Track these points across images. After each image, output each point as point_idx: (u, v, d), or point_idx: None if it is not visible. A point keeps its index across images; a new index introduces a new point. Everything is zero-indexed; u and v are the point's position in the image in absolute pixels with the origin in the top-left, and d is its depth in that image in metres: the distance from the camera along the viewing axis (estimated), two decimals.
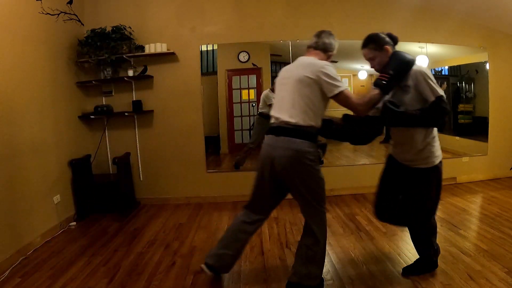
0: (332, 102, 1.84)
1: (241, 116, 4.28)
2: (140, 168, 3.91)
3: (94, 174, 3.69)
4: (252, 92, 4.27)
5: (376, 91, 1.75)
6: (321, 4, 3.84)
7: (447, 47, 4.15)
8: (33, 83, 2.90)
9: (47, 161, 3.05)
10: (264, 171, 1.92)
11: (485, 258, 2.25)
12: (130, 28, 3.67)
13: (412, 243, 2.43)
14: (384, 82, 1.75)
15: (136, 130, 3.87)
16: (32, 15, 2.88)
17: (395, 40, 1.88)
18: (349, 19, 3.86)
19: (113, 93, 3.80)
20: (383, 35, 1.85)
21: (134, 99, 3.78)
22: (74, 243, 2.85)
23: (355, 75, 4.45)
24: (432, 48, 4.07)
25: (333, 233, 2.84)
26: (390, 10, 3.91)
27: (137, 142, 3.88)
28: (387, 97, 1.84)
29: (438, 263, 2.15)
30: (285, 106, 1.82)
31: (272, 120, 1.89)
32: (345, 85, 1.77)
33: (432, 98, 1.72)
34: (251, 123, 4.30)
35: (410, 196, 1.97)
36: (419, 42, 4.02)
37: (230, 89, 4.23)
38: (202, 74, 3.86)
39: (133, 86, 3.81)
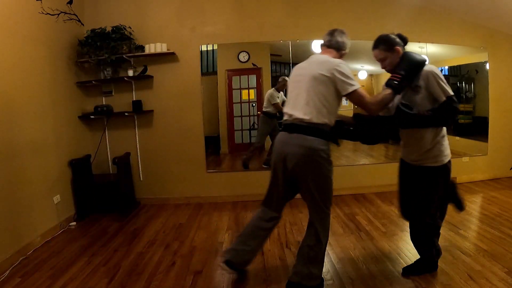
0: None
1: (241, 116, 4.28)
2: (140, 168, 3.91)
3: (94, 174, 3.69)
4: (252, 92, 4.27)
5: (389, 91, 1.77)
6: (321, 4, 3.84)
7: (447, 47, 4.15)
8: (33, 83, 2.90)
9: (47, 161, 3.05)
10: (277, 168, 1.93)
11: (485, 258, 2.25)
12: (130, 28, 3.67)
13: (412, 243, 2.43)
14: (396, 82, 1.77)
15: (136, 130, 3.88)
16: (32, 15, 2.88)
17: (405, 41, 1.90)
18: (349, 19, 3.86)
19: (113, 93, 3.80)
20: (393, 36, 1.87)
21: (134, 99, 3.78)
22: (74, 243, 2.85)
23: (355, 75, 4.45)
24: (432, 48, 4.07)
25: (333, 233, 2.84)
26: (390, 10, 3.91)
27: (137, 142, 3.88)
28: (398, 97, 1.85)
29: (438, 263, 2.14)
30: (299, 103, 1.82)
31: (285, 117, 1.90)
32: (358, 84, 1.78)
33: (443, 98, 1.75)
34: (251, 123, 4.30)
35: (418, 194, 1.98)
36: (419, 42, 4.02)
37: (230, 89, 4.23)
38: (202, 74, 3.86)
39: (133, 86, 3.81)
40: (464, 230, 2.75)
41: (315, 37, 3.94)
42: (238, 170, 4.14)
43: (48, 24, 3.09)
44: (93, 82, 3.61)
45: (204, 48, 3.90)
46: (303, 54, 4.10)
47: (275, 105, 4.06)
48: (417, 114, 1.78)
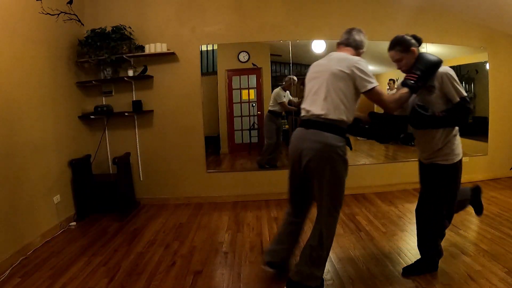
0: None
1: (241, 116, 4.28)
2: (140, 168, 3.91)
3: (94, 174, 3.69)
4: (252, 92, 4.27)
5: (405, 90, 1.79)
6: (321, 4, 3.84)
7: (447, 47, 4.15)
8: (33, 83, 2.90)
9: (47, 161, 3.05)
10: (294, 164, 1.93)
11: (485, 258, 2.25)
12: (130, 28, 3.67)
13: (412, 243, 2.43)
14: (412, 81, 1.79)
15: (136, 130, 3.88)
16: (32, 15, 2.88)
17: (419, 42, 1.93)
18: (349, 19, 3.86)
19: (113, 93, 3.80)
20: (409, 37, 1.90)
21: (134, 99, 3.78)
22: (74, 243, 2.85)
23: None
24: (432, 48, 4.07)
25: None
26: (390, 10, 3.91)
27: (137, 142, 3.88)
28: (412, 97, 1.87)
29: (438, 263, 2.14)
30: (317, 99, 1.82)
31: (303, 113, 1.90)
32: (376, 82, 1.79)
33: (457, 99, 1.79)
34: (251, 123, 4.30)
35: (427, 191, 2.01)
36: None
37: (230, 89, 4.23)
38: (202, 74, 3.86)
39: (133, 86, 3.81)
40: (464, 230, 2.75)
41: (315, 37, 3.94)
42: (238, 170, 4.14)
43: (48, 24, 3.09)
44: (93, 82, 3.61)
45: (204, 48, 3.91)
46: (303, 54, 4.11)
47: (282, 104, 4.08)
48: (432, 115, 1.81)
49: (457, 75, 1.86)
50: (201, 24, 3.79)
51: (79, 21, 3.59)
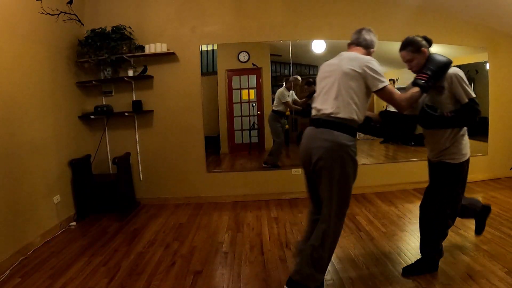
0: None
1: (241, 116, 4.28)
2: (140, 168, 3.91)
3: (94, 174, 3.69)
4: (252, 92, 4.28)
5: (416, 89, 1.81)
6: (321, 4, 3.84)
7: (447, 47, 4.15)
8: (33, 83, 2.90)
9: (47, 161, 3.05)
10: (304, 163, 1.94)
11: (485, 258, 2.25)
12: (130, 28, 3.67)
13: (412, 243, 2.43)
14: (422, 81, 1.82)
15: (136, 130, 3.88)
16: (32, 15, 2.88)
17: (430, 43, 1.96)
18: (349, 19, 3.86)
19: (113, 93, 3.80)
20: (420, 38, 1.93)
21: (134, 99, 3.78)
22: (74, 243, 2.85)
23: None
24: (432, 48, 4.07)
25: None
26: (390, 10, 3.91)
27: (137, 142, 3.88)
28: (422, 97, 1.90)
29: (438, 263, 2.14)
30: (328, 98, 1.82)
31: (313, 112, 1.90)
32: (388, 81, 1.80)
33: (465, 100, 1.83)
34: (251, 123, 4.30)
35: (433, 189, 2.05)
36: None
37: (230, 89, 4.23)
38: (202, 74, 3.86)
39: (133, 86, 3.81)
40: (464, 230, 2.74)
41: (315, 37, 3.95)
42: (238, 170, 4.14)
43: (48, 24, 3.09)
44: (93, 82, 3.61)
45: (204, 48, 3.91)
46: (303, 54, 4.11)
47: (286, 103, 4.08)
48: (440, 115, 1.85)
49: None
50: (201, 24, 3.79)
51: (79, 21, 3.59)
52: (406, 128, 2.07)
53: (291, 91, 4.11)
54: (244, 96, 4.27)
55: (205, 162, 3.92)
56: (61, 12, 3.27)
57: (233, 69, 4.19)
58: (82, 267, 2.41)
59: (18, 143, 2.68)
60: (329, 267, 2.26)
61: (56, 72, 3.24)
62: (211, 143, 4.11)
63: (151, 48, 3.61)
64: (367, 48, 1.94)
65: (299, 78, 4.13)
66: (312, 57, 4.18)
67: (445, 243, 2.44)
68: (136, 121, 3.86)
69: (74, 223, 3.29)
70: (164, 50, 3.64)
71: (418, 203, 3.28)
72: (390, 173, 4.07)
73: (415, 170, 4.11)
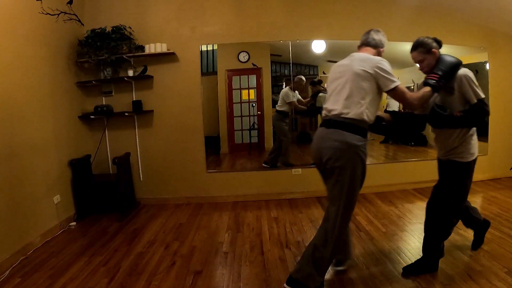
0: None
1: (241, 116, 4.29)
2: (140, 168, 3.91)
3: (94, 174, 3.69)
4: (252, 92, 4.28)
5: (428, 89, 1.85)
6: (321, 4, 3.84)
7: (447, 47, 4.09)
8: (33, 83, 2.90)
9: (47, 161, 3.05)
10: (316, 163, 1.96)
11: (485, 258, 2.25)
12: (130, 28, 3.67)
13: (412, 243, 2.43)
14: (433, 81, 1.86)
15: (136, 130, 3.88)
16: (32, 15, 2.88)
17: (440, 44, 2.01)
18: (349, 19, 3.86)
19: (113, 93, 3.80)
20: (430, 40, 1.97)
21: (134, 99, 3.78)
22: (74, 243, 2.85)
23: None
24: None
25: None
26: (390, 10, 3.91)
27: (137, 142, 3.88)
28: (432, 97, 1.94)
29: (438, 263, 2.14)
30: (339, 99, 1.84)
31: (324, 113, 1.92)
32: (399, 81, 1.82)
33: (474, 100, 1.87)
34: (251, 123, 4.30)
35: (441, 187, 2.08)
36: None
37: (230, 89, 4.23)
38: (202, 74, 3.86)
39: (133, 86, 3.81)
40: (464, 230, 2.74)
41: (315, 37, 3.95)
42: (238, 170, 4.14)
43: (48, 24, 3.09)
44: (93, 82, 3.61)
45: (204, 48, 3.91)
46: (303, 54, 4.11)
47: (291, 103, 4.09)
48: (450, 115, 1.89)
49: None
50: (201, 24, 3.79)
51: (79, 21, 3.59)
52: (415, 128, 2.12)
53: (295, 92, 4.13)
54: (244, 96, 4.27)
55: (205, 162, 3.92)
56: (61, 12, 3.26)
57: (233, 69, 4.19)
58: (82, 267, 2.41)
59: (18, 143, 2.68)
60: (329, 267, 2.26)
61: (56, 72, 3.24)
62: (211, 143, 4.11)
63: (151, 48, 3.61)
64: (376, 47, 1.96)
65: (303, 78, 4.14)
66: (312, 57, 4.19)
67: (445, 243, 2.44)
68: (136, 121, 3.86)
69: (74, 223, 3.29)
70: (164, 50, 3.64)
71: (418, 203, 3.30)
72: (390, 173, 4.07)
73: (415, 170, 4.11)
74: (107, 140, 3.85)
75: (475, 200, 3.55)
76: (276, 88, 4.26)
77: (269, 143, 4.35)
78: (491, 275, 2.04)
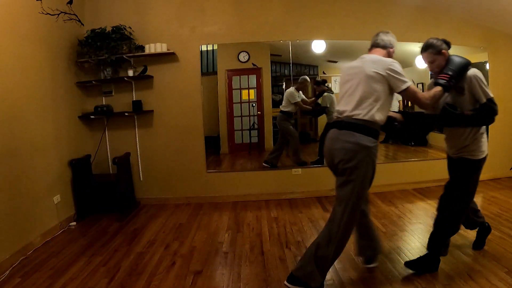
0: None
1: (241, 116, 4.29)
2: (140, 168, 3.91)
3: (94, 174, 3.69)
4: (252, 92, 4.28)
5: (439, 88, 1.89)
6: (321, 4, 3.84)
7: None
8: (33, 83, 2.90)
9: (47, 161, 3.05)
10: (329, 164, 1.98)
11: (485, 258, 2.25)
12: (130, 28, 3.67)
13: (412, 243, 2.43)
14: (444, 81, 1.90)
15: (136, 130, 3.88)
16: (32, 15, 2.88)
17: (449, 45, 2.08)
18: (349, 20, 3.87)
19: (113, 93, 3.80)
20: (440, 41, 2.04)
21: (134, 99, 3.78)
22: (74, 243, 2.85)
23: None
24: None
25: None
26: (390, 10, 3.91)
27: (137, 142, 3.88)
28: (443, 98, 1.97)
29: (439, 263, 2.15)
30: (351, 101, 1.86)
31: (336, 114, 1.94)
32: (410, 81, 1.85)
33: (483, 100, 1.94)
34: (251, 123, 4.30)
35: (452, 184, 2.12)
36: (419, 42, 3.95)
37: (230, 89, 4.23)
38: (202, 74, 3.86)
39: (133, 86, 3.81)
40: (464, 230, 2.72)
41: (315, 37, 3.95)
42: (238, 170, 4.14)
43: (48, 24, 3.09)
44: (93, 82, 3.61)
45: (204, 48, 3.91)
46: (303, 54, 4.11)
47: (297, 104, 4.09)
48: (461, 114, 1.95)
49: None
50: (201, 24, 3.79)
51: (79, 21, 3.59)
52: (426, 127, 2.17)
53: (300, 92, 4.14)
54: (244, 96, 4.27)
55: (205, 162, 3.92)
56: (61, 12, 3.27)
57: (233, 69, 4.19)
58: (82, 267, 2.41)
59: (18, 143, 2.68)
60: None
61: (56, 72, 3.24)
62: (211, 143, 4.11)
63: (151, 48, 3.61)
64: (386, 47, 1.99)
65: (308, 79, 4.15)
66: (312, 57, 4.19)
67: None
68: (136, 121, 3.86)
69: (74, 223, 3.29)
70: (164, 50, 3.64)
71: (418, 203, 3.31)
72: (390, 173, 4.07)
73: (415, 170, 4.11)
74: (107, 140, 3.85)
75: (475, 200, 3.53)
76: (276, 88, 4.26)
77: (269, 143, 4.35)
78: (491, 275, 2.04)
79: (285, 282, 1.91)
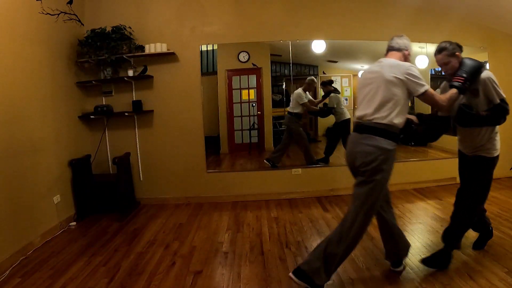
0: None
1: (241, 116, 4.29)
2: (140, 168, 3.91)
3: (94, 174, 3.69)
4: (252, 92, 4.28)
5: (454, 91, 1.93)
6: (321, 4, 3.84)
7: None
8: (33, 83, 2.90)
9: (47, 161, 3.05)
10: (350, 167, 2.02)
11: (485, 258, 2.25)
12: (130, 28, 3.67)
13: (412, 243, 2.42)
14: (459, 83, 1.95)
15: (136, 130, 3.88)
16: (32, 15, 2.88)
17: (461, 48, 2.11)
18: (349, 20, 3.87)
19: (113, 93, 3.80)
20: (454, 44, 2.08)
21: (134, 99, 3.78)
22: (74, 243, 2.85)
23: (355, 75, 4.46)
24: (432, 48, 4.04)
25: None
26: (390, 10, 3.91)
27: (137, 142, 3.88)
28: (459, 98, 2.02)
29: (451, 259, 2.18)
30: (371, 105, 1.89)
31: (356, 118, 1.98)
32: (427, 84, 1.88)
33: (497, 101, 2.01)
34: (251, 123, 4.30)
35: (469, 181, 2.20)
36: (419, 42, 4.02)
37: (230, 89, 4.23)
38: (202, 74, 3.86)
39: (133, 86, 3.81)
40: None
41: (315, 37, 3.95)
42: (238, 170, 4.14)
43: (48, 24, 3.09)
44: (93, 82, 3.61)
45: (204, 48, 3.91)
46: (303, 54, 4.11)
47: (305, 104, 4.09)
48: (476, 114, 2.02)
49: None
50: (201, 24, 3.79)
51: (79, 21, 3.59)
52: (442, 129, 2.23)
53: (307, 92, 4.14)
54: (244, 96, 4.27)
55: (205, 162, 3.92)
56: (61, 12, 3.27)
57: (233, 69, 4.19)
58: (82, 267, 2.41)
59: (18, 143, 2.68)
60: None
61: (56, 72, 3.24)
62: (211, 143, 4.11)
63: (151, 48, 3.61)
64: (400, 50, 2.02)
65: (315, 79, 4.16)
66: (312, 57, 4.19)
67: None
68: (136, 121, 3.86)
69: (74, 223, 3.29)
70: (164, 50, 3.64)
71: (418, 203, 3.32)
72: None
73: (415, 170, 4.11)
74: (107, 140, 3.85)
75: None
76: (276, 88, 4.26)
77: (269, 143, 4.36)
78: (491, 275, 2.04)
79: (290, 274, 1.90)
